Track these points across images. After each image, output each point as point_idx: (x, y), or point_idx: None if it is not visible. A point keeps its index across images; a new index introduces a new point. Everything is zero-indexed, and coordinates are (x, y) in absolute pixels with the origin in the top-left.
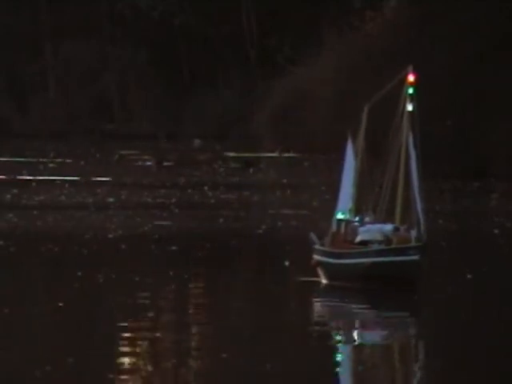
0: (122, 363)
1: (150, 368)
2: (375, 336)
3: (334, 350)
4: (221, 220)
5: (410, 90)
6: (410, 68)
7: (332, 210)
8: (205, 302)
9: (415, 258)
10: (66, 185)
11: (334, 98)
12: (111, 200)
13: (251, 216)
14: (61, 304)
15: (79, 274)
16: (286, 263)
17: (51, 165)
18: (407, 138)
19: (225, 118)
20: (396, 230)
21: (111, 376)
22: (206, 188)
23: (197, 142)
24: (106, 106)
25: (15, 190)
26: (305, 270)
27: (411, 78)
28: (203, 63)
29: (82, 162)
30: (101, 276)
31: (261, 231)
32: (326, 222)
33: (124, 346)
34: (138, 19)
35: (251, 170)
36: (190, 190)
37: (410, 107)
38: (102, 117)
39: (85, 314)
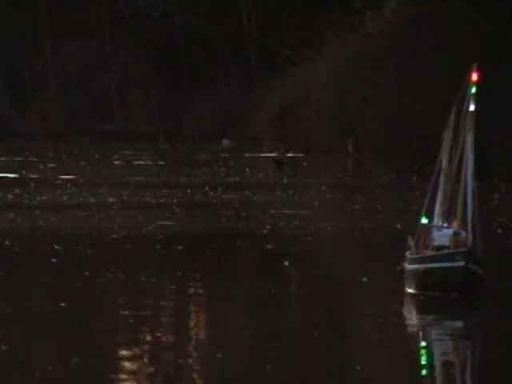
0: (123, 364)
1: (150, 369)
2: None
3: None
4: (223, 220)
5: (473, 89)
6: (475, 66)
7: (332, 210)
8: (210, 303)
9: (461, 263)
10: (68, 185)
11: (333, 97)
12: (113, 200)
13: (253, 216)
14: (63, 304)
15: (86, 274)
16: (286, 263)
17: (51, 165)
18: (466, 140)
19: (225, 118)
20: (456, 234)
21: (112, 376)
22: (206, 188)
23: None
24: (106, 106)
25: (17, 190)
26: (308, 271)
27: (474, 76)
28: (203, 63)
29: (82, 162)
30: (106, 276)
31: (265, 231)
32: (327, 222)
33: (125, 346)
34: (138, 19)
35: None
36: (190, 190)
37: (471, 107)
38: (102, 117)
39: (87, 314)
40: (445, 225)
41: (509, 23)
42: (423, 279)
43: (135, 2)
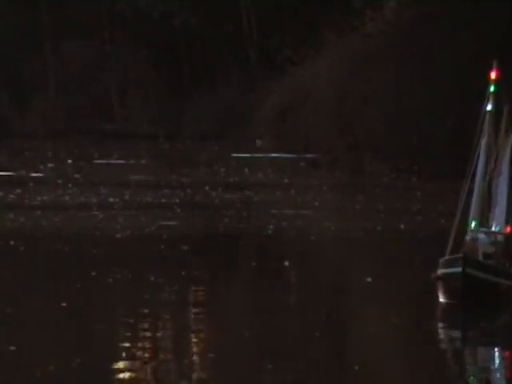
0: (123, 364)
1: (150, 369)
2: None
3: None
4: (225, 220)
5: (491, 88)
6: (494, 64)
7: (333, 210)
8: (211, 303)
9: (458, 269)
10: (69, 185)
11: (333, 97)
12: (115, 200)
13: (255, 216)
14: (64, 304)
15: (89, 273)
16: (286, 263)
17: (51, 165)
18: (480, 140)
19: (225, 118)
20: (473, 239)
21: (112, 376)
22: (207, 188)
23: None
24: (106, 106)
25: (18, 190)
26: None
27: (493, 75)
28: (203, 63)
29: (82, 162)
30: (110, 276)
31: (268, 231)
32: (330, 222)
33: (125, 346)
34: (138, 19)
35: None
36: (192, 190)
37: (489, 107)
38: (102, 117)
39: (88, 314)
40: (496, 229)
41: (509, 23)
42: (439, 285)
43: (135, 2)
